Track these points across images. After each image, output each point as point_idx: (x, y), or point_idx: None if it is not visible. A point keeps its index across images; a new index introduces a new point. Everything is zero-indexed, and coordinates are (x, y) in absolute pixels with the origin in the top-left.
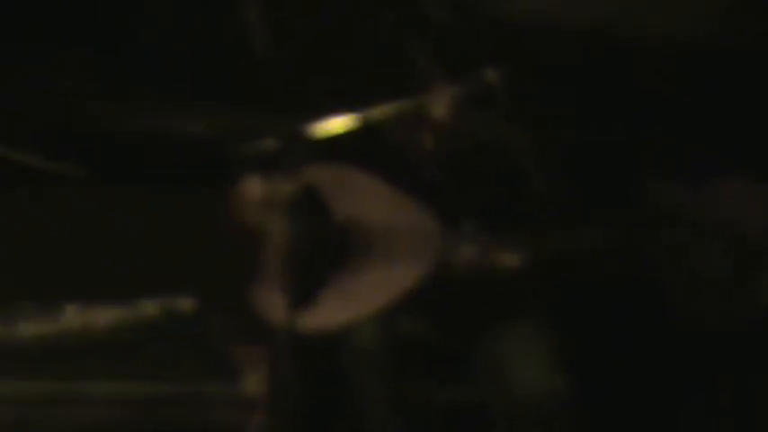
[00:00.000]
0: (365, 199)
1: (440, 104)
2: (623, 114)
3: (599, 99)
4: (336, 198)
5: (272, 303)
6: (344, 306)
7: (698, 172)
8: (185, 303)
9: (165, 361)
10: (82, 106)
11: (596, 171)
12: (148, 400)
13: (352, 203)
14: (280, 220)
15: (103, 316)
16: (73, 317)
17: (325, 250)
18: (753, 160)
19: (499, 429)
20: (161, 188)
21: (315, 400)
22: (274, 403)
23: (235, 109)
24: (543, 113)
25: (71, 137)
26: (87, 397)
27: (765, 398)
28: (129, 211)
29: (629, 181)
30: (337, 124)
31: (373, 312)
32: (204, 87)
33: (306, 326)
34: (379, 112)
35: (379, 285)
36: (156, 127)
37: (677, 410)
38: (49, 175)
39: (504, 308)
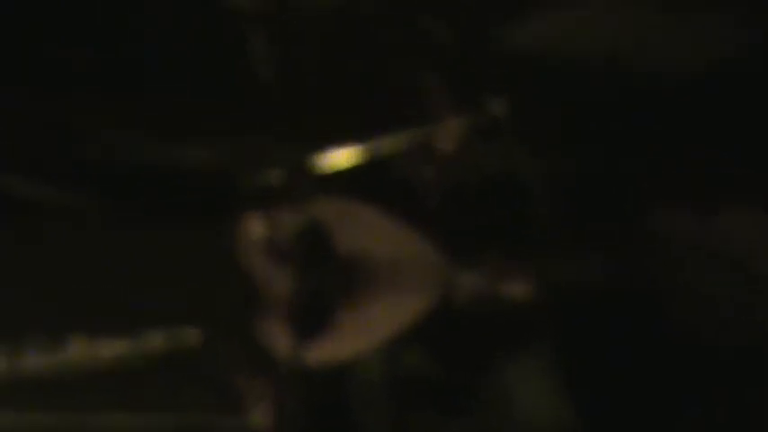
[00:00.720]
0: (369, 232)
1: (446, 136)
2: (629, 142)
3: (604, 127)
4: (340, 232)
5: (277, 337)
6: (349, 339)
7: (702, 199)
8: (191, 335)
9: (170, 393)
10: (84, 136)
11: (600, 199)
12: (153, 431)
13: (356, 237)
14: (283, 257)
15: (108, 347)
16: (78, 348)
17: (329, 284)
18: (758, 188)
19: None
20: (166, 219)
21: None
22: None
23: (240, 140)
24: (549, 142)
25: (73, 167)
26: (92, 429)
27: (761, 412)
28: (134, 242)
29: (633, 208)
30: (343, 156)
31: (378, 345)
32: (209, 118)
33: (311, 359)
34: (386, 143)
35: (383, 318)
36: (159, 157)
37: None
38: (52, 207)
39: (508, 339)
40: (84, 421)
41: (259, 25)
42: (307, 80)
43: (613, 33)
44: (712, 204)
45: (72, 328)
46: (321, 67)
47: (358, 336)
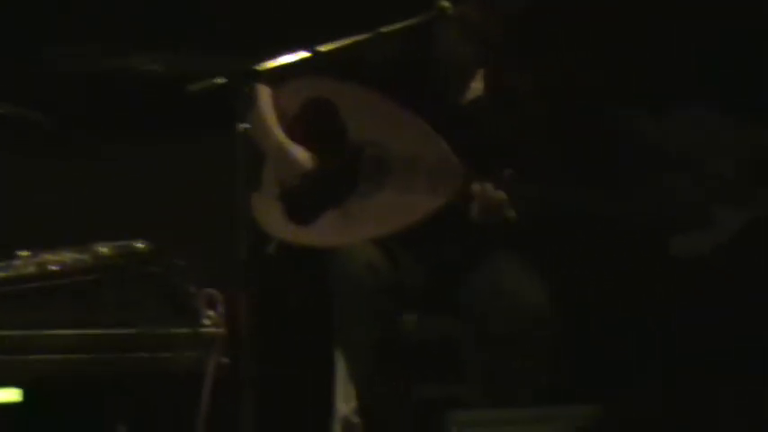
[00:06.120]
0: (390, 125)
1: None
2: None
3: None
4: (357, 119)
5: (271, 214)
6: (344, 227)
7: (661, 100)
8: (141, 246)
9: (121, 306)
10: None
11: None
12: (106, 343)
13: (375, 127)
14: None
15: (58, 260)
16: (26, 263)
17: (336, 168)
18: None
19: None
20: (116, 132)
21: (280, 336)
22: (234, 343)
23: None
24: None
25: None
26: (44, 342)
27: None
28: (85, 155)
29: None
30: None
31: (373, 238)
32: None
33: (301, 240)
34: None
35: (386, 213)
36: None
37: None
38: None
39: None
40: (34, 335)
41: None
42: None
43: None
44: (666, 105)
45: (20, 244)
46: None
47: (354, 226)
